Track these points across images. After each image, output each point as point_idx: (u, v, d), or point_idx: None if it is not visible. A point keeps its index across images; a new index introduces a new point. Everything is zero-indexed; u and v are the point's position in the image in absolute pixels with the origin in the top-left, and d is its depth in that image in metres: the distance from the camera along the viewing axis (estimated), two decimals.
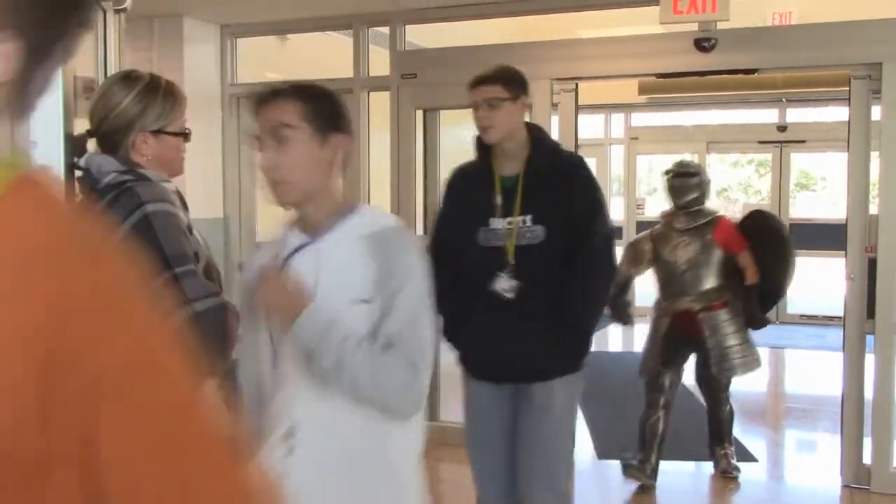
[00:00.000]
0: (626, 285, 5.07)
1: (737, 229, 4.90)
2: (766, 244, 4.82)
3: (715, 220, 4.89)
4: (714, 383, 4.95)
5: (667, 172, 5.06)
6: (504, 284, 3.00)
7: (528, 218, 3.02)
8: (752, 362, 4.87)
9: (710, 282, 4.82)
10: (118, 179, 2.08)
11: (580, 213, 3.02)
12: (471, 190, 3.20)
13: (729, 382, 4.99)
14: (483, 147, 3.20)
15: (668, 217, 5.03)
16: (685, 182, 4.88)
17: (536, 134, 3.19)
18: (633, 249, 5.14)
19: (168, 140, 2.20)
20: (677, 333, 4.84)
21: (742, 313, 4.84)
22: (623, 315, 5.12)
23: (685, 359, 4.96)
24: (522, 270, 3.00)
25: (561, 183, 3.05)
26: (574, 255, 2.99)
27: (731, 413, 5.07)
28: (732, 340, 4.78)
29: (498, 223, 3.06)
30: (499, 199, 3.08)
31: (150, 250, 2.00)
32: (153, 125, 2.16)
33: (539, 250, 3.00)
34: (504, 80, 3.14)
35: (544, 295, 3.01)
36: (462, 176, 3.33)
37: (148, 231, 2.01)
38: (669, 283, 4.93)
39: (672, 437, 4.94)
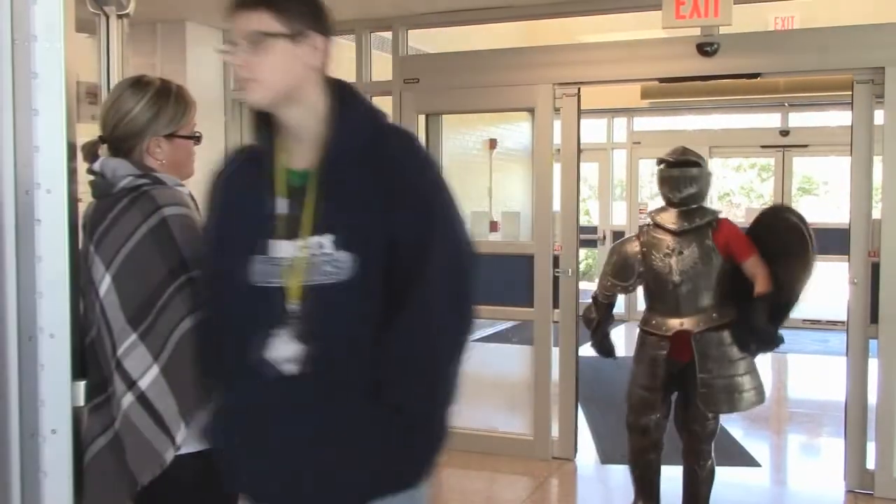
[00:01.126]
0: (608, 310, 4.32)
1: (741, 232, 4.13)
2: (782, 244, 4.01)
3: (716, 221, 4.11)
4: (696, 429, 4.08)
5: (661, 161, 4.21)
6: (281, 351, 1.81)
7: (328, 240, 1.81)
8: (755, 396, 4.04)
9: (709, 297, 4.03)
10: (134, 183, 2.10)
11: (408, 227, 1.81)
12: (244, 191, 1.94)
13: (714, 431, 4.11)
14: (264, 120, 1.92)
15: (658, 216, 4.23)
16: (684, 173, 4.10)
17: (341, 100, 1.94)
18: (620, 258, 4.26)
19: (180, 143, 2.22)
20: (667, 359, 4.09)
21: (748, 331, 4.01)
22: (605, 347, 4.37)
23: (671, 391, 4.18)
24: (316, 326, 1.80)
25: (379, 179, 1.83)
26: (402, 299, 1.80)
27: (712, 472, 4.17)
28: (735, 369, 3.99)
29: (282, 248, 1.84)
30: (283, 208, 1.86)
31: (168, 254, 2.01)
32: (165, 130, 2.18)
33: (345, 293, 1.80)
34: (276, 5, 1.84)
35: (355, 367, 1.81)
36: (235, 167, 2.02)
37: (166, 234, 2.03)
38: (660, 298, 4.13)
39: (674, 442, 4.93)
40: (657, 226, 4.18)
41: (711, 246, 4.04)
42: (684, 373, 4.03)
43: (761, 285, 3.92)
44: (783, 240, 3.98)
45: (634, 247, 4.22)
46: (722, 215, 4.18)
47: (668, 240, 4.11)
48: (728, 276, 4.04)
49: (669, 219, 4.15)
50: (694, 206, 4.14)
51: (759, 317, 3.92)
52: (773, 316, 3.96)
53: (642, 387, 4.14)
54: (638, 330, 4.27)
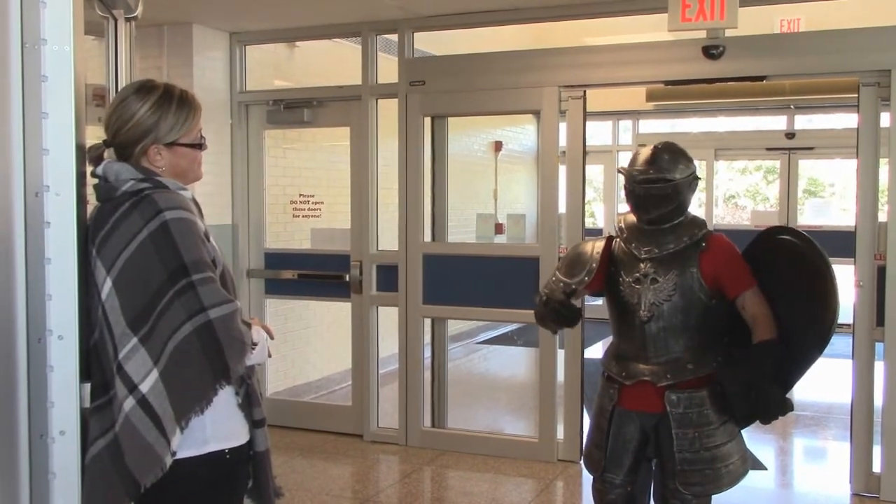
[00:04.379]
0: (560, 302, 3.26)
1: (737, 254, 3.25)
2: (793, 280, 3.18)
3: (704, 240, 3.22)
4: None
5: (627, 172, 3.25)
6: None
7: None
8: (741, 465, 3.26)
9: (685, 342, 3.18)
10: (136, 187, 2.10)
11: None
12: None
13: None
14: None
15: (628, 229, 3.33)
16: (652, 191, 3.17)
17: None
18: (573, 254, 3.44)
19: (182, 152, 2.20)
20: (629, 410, 3.27)
21: (745, 393, 3.10)
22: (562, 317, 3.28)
23: (642, 453, 3.31)
24: None
25: None
26: None
27: None
28: (720, 436, 3.18)
29: None
30: None
31: (168, 257, 2.01)
32: (166, 138, 2.17)
33: None
34: None
35: None
36: None
37: (167, 238, 2.03)
38: (625, 335, 3.29)
39: None
40: (628, 242, 3.31)
41: (696, 275, 3.16)
42: (658, 431, 3.23)
43: (763, 330, 3.09)
44: (787, 272, 3.21)
45: (597, 246, 3.35)
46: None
47: (639, 263, 3.24)
48: (717, 313, 3.22)
49: (639, 237, 3.27)
50: (672, 222, 3.23)
51: (759, 374, 3.06)
52: (787, 372, 3.19)
53: (593, 441, 3.38)
54: (601, 374, 3.44)
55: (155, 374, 1.99)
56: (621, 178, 3.29)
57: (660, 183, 3.17)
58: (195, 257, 2.04)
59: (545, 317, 3.36)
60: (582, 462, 3.49)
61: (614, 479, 3.29)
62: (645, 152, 3.25)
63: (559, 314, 3.27)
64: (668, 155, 3.22)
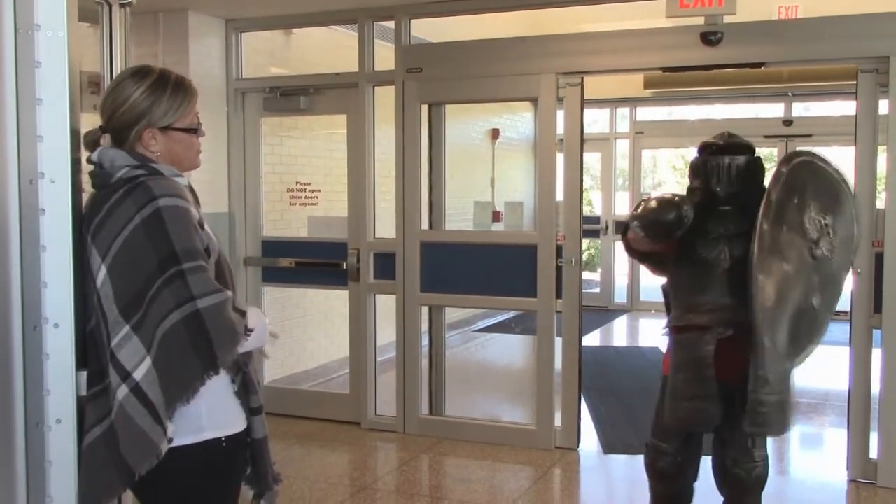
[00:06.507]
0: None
1: None
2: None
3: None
4: (739, 474, 3.36)
5: (709, 146, 3.46)
6: None
7: None
8: (790, 417, 3.32)
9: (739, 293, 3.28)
10: (131, 174, 2.08)
11: None
12: None
13: (762, 478, 3.39)
14: None
15: (698, 207, 3.35)
16: (737, 161, 3.40)
17: None
18: (659, 196, 3.43)
19: (177, 136, 2.18)
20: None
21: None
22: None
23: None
24: None
25: None
26: None
27: None
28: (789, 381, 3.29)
29: None
30: None
31: (160, 244, 2.00)
32: (161, 121, 2.15)
33: None
34: None
35: None
36: None
37: (159, 225, 2.01)
38: (702, 290, 3.34)
39: None
40: (699, 223, 3.34)
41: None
42: (734, 401, 3.27)
43: None
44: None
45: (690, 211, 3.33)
46: None
47: (713, 240, 3.34)
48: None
49: (710, 218, 3.37)
50: (737, 204, 3.38)
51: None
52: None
53: (696, 394, 3.28)
54: (668, 332, 3.48)
55: (148, 362, 1.98)
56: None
57: (744, 151, 3.41)
58: (187, 245, 2.02)
59: (651, 223, 3.34)
60: (652, 428, 3.53)
61: (667, 448, 3.43)
62: (719, 135, 3.51)
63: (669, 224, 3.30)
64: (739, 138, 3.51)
